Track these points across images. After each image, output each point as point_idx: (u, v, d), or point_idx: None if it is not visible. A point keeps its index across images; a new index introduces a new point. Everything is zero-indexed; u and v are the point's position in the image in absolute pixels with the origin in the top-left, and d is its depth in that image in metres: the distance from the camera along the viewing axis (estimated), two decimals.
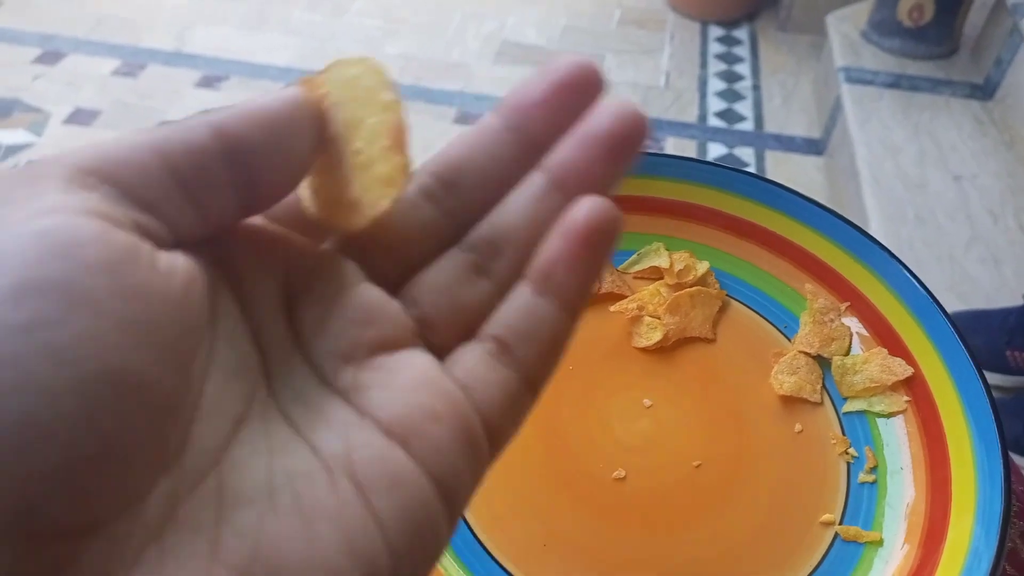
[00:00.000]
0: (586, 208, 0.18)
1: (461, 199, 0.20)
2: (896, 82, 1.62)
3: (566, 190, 0.19)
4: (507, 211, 0.20)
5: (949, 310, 0.36)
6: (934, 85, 1.62)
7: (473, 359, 0.19)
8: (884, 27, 1.67)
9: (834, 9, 1.81)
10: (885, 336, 0.38)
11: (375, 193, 0.19)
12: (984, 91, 1.60)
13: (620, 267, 0.42)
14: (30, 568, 0.12)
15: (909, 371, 0.37)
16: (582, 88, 0.19)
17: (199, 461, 0.15)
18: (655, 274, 0.42)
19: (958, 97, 1.60)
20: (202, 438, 0.15)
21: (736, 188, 0.42)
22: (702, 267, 0.41)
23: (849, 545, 0.34)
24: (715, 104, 1.80)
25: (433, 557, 0.17)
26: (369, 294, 0.19)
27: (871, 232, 1.38)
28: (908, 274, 0.38)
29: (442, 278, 0.20)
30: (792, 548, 0.34)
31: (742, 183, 0.41)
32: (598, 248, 0.19)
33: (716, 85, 1.86)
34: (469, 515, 0.34)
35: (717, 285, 0.41)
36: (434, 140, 1.66)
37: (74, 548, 0.13)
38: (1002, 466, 0.32)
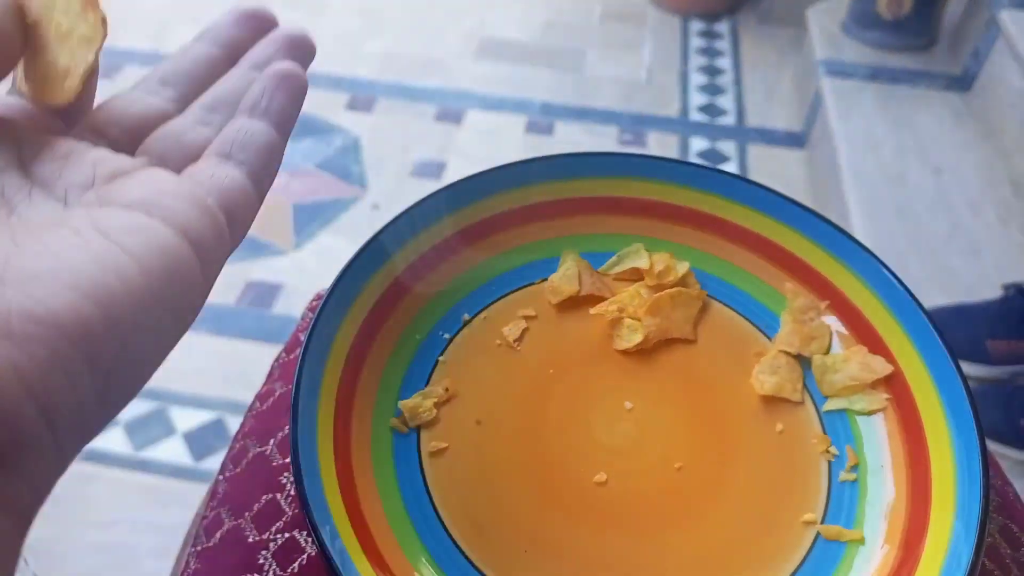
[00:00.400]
0: (282, 65, 0.25)
1: (178, 89, 0.26)
2: (876, 75, 1.63)
3: (259, 68, 0.26)
4: (219, 87, 0.26)
5: (930, 303, 0.36)
6: (913, 77, 1.63)
7: (199, 168, 0.23)
8: (864, 19, 1.68)
9: (814, 2, 1.81)
10: (865, 334, 0.38)
11: (81, 53, 0.22)
12: (962, 83, 1.61)
13: (600, 269, 0.42)
14: None
15: (889, 369, 0.37)
16: (261, 21, 0.28)
17: None
18: (635, 275, 0.42)
19: (937, 89, 1.61)
20: None
21: (715, 188, 0.42)
22: (682, 268, 0.41)
23: (831, 544, 0.34)
24: (697, 98, 1.81)
25: (190, 301, 0.20)
26: (98, 151, 0.22)
27: (852, 225, 1.38)
28: (887, 272, 0.38)
29: (168, 130, 0.25)
30: (774, 548, 0.34)
31: (721, 183, 0.41)
32: (293, 85, 0.25)
33: (698, 79, 1.86)
34: (448, 521, 0.34)
35: (698, 286, 0.41)
36: (415, 138, 1.66)
37: None
38: (981, 462, 0.32)
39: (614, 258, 0.42)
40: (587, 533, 0.34)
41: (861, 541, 0.34)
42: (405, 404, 0.36)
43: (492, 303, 0.41)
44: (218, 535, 0.35)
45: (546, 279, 0.42)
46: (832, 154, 1.48)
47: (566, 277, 0.41)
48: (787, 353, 0.39)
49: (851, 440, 0.37)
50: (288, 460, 0.37)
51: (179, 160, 0.24)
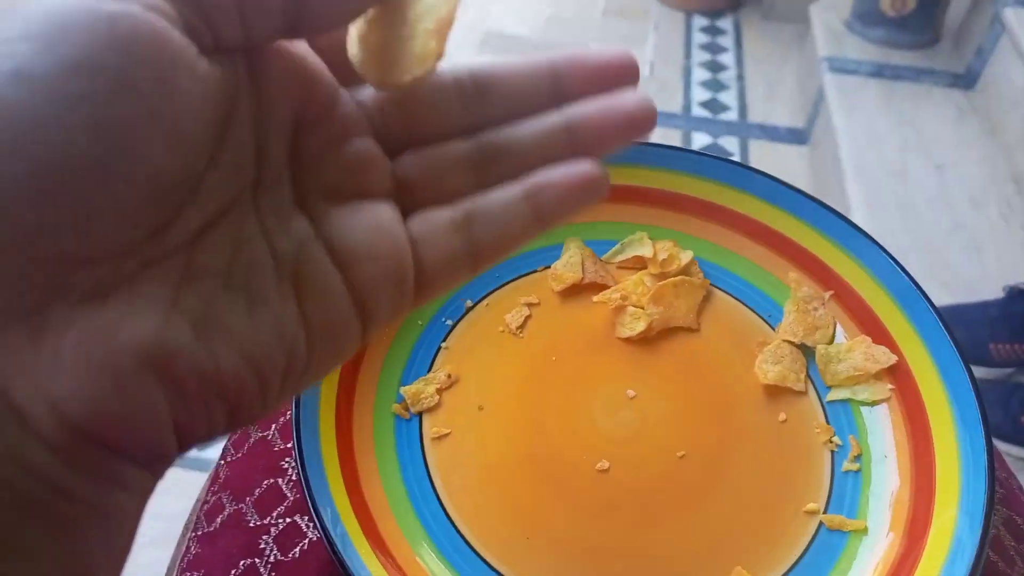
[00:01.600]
0: (588, 163, 0.21)
1: (484, 103, 0.22)
2: (879, 71, 1.63)
3: (574, 136, 0.22)
4: (520, 130, 0.22)
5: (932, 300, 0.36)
6: (916, 74, 1.63)
7: (435, 218, 0.21)
8: (867, 17, 1.68)
9: None
10: (868, 324, 0.38)
11: (406, 66, 0.20)
12: (966, 80, 1.60)
13: (603, 257, 0.42)
14: (31, 280, 0.16)
15: (893, 359, 0.37)
16: (622, 74, 0.22)
17: (180, 235, 0.18)
18: (639, 264, 0.42)
19: (940, 86, 1.60)
20: (187, 220, 0.18)
21: (720, 176, 0.41)
22: (686, 256, 0.41)
23: (834, 534, 0.34)
24: (699, 94, 1.80)
25: (341, 357, 0.21)
26: (365, 145, 0.21)
27: (854, 221, 1.37)
28: (892, 262, 0.37)
29: (439, 157, 0.22)
30: (777, 538, 0.34)
31: (726, 171, 0.41)
32: (584, 194, 0.22)
33: (700, 75, 1.86)
34: (450, 507, 0.34)
35: (701, 274, 0.41)
36: None
37: (66, 272, 0.16)
38: (986, 453, 0.32)
39: (617, 246, 0.42)
40: (589, 520, 0.34)
41: (864, 531, 0.34)
42: (407, 390, 0.36)
43: (494, 290, 0.41)
44: (219, 520, 0.35)
45: (549, 267, 0.42)
46: (834, 150, 1.48)
47: (569, 265, 0.41)
48: (790, 343, 0.39)
49: (854, 430, 0.37)
50: (289, 445, 0.37)
51: (426, 190, 0.22)
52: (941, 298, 1.16)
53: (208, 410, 0.18)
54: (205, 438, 0.19)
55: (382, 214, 0.21)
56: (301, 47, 0.21)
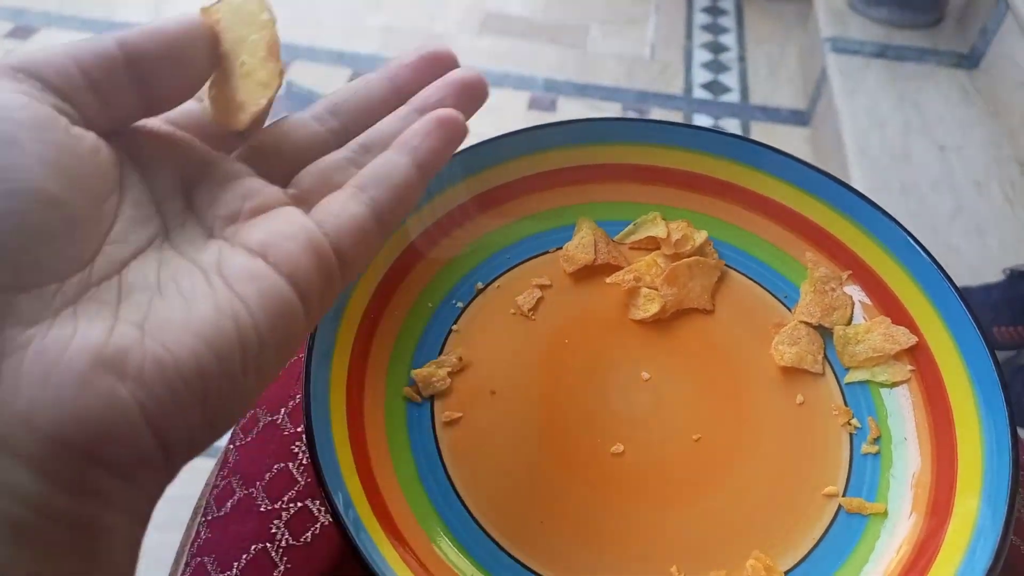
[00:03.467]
0: (443, 111, 0.27)
1: (343, 121, 0.28)
2: (882, 52, 1.61)
3: (424, 112, 0.27)
4: (379, 126, 0.27)
5: None
6: (920, 55, 1.61)
7: (331, 200, 0.25)
8: None
9: None
10: (888, 305, 0.38)
11: (256, 95, 0.25)
12: (970, 60, 1.59)
13: (616, 237, 0.41)
14: None
15: (913, 340, 0.36)
16: (441, 62, 0.29)
17: (106, 266, 0.20)
18: (652, 244, 0.41)
19: (944, 67, 1.59)
20: (110, 254, 0.21)
21: (735, 155, 0.41)
22: (700, 236, 0.40)
23: (853, 517, 0.33)
24: (701, 75, 1.79)
25: (292, 342, 0.23)
26: (252, 181, 0.25)
27: None
28: (912, 240, 0.37)
29: (321, 167, 0.26)
30: (794, 521, 0.33)
31: (741, 149, 0.40)
32: (445, 132, 0.26)
33: (702, 56, 1.84)
34: (463, 491, 0.33)
35: (716, 255, 0.40)
36: None
37: (9, 300, 0.18)
38: (1009, 435, 0.32)
39: (630, 226, 0.41)
40: (603, 505, 0.33)
41: (883, 514, 0.33)
42: (418, 373, 0.36)
43: (506, 272, 0.40)
44: (229, 504, 0.34)
45: (561, 248, 0.41)
46: (837, 132, 1.47)
47: (581, 246, 0.40)
48: (807, 324, 0.38)
49: (873, 412, 0.36)
50: (299, 429, 0.36)
51: (321, 195, 0.25)
52: None
53: (178, 405, 0.19)
54: (187, 440, 0.20)
55: (286, 212, 0.24)
56: (168, 129, 0.25)
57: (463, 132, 0.27)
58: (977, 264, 1.23)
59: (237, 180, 0.24)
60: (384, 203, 0.25)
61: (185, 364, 0.19)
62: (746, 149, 0.40)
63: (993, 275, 1.16)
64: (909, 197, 1.33)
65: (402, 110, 0.28)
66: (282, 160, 0.26)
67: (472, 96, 0.28)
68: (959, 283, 0.35)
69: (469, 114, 0.28)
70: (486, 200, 0.40)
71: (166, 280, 0.21)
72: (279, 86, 0.25)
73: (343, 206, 0.24)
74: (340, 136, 0.27)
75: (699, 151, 0.41)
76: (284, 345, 0.22)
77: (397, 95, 0.28)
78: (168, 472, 0.20)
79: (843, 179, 0.39)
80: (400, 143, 0.26)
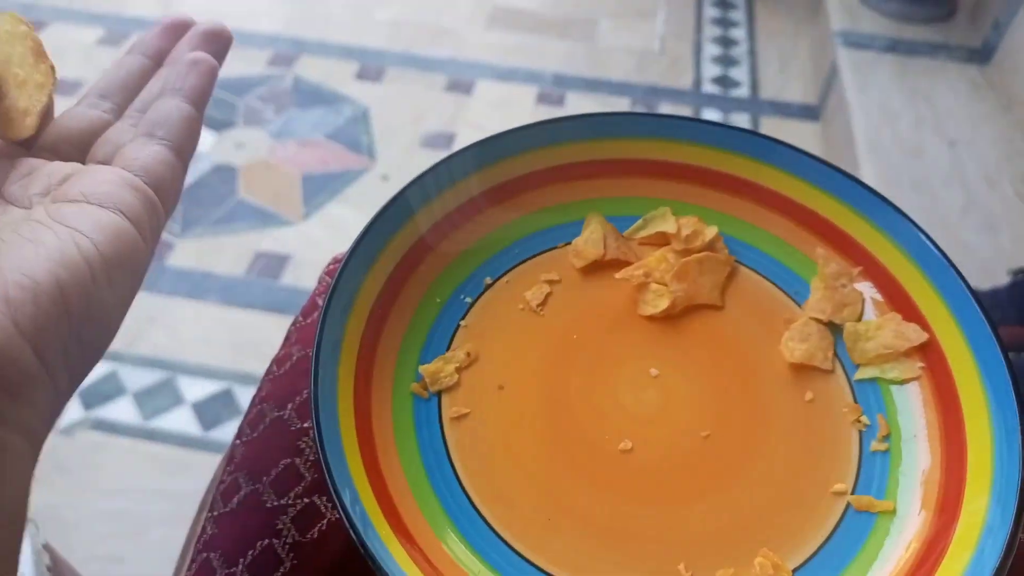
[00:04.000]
0: (193, 53, 0.31)
1: (114, 100, 0.31)
2: (893, 46, 1.60)
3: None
4: (147, 89, 0.31)
5: None
6: (932, 49, 1.60)
7: (128, 148, 0.28)
8: None
9: None
10: (899, 301, 0.37)
11: (35, 97, 0.27)
12: (982, 55, 1.58)
13: (626, 232, 0.41)
14: None
15: (924, 336, 0.36)
16: (183, 27, 0.33)
17: None
18: (662, 240, 0.41)
19: (955, 61, 1.58)
20: None
21: (744, 149, 0.40)
22: (710, 232, 0.40)
23: (862, 515, 0.33)
24: (710, 70, 1.78)
25: (135, 262, 0.25)
26: (54, 164, 0.27)
27: None
28: (924, 236, 0.36)
29: (109, 137, 0.29)
30: (804, 519, 0.33)
31: (750, 144, 0.40)
32: (204, 68, 0.30)
33: (711, 50, 1.83)
34: (470, 487, 0.33)
35: (726, 250, 0.40)
36: (425, 109, 1.64)
37: None
38: (1020, 433, 0.31)
39: (640, 222, 0.41)
40: (612, 502, 0.33)
41: (892, 512, 0.33)
42: (426, 369, 0.36)
43: (514, 267, 0.40)
44: (235, 500, 0.34)
45: (570, 243, 0.41)
46: (847, 127, 1.46)
47: (591, 241, 0.40)
48: (818, 320, 0.38)
49: (883, 409, 0.36)
50: (306, 425, 0.36)
51: (119, 159, 0.28)
52: None
53: (47, 317, 0.22)
54: (62, 352, 0.22)
55: (91, 168, 0.27)
56: None
57: (215, 66, 0.31)
58: (988, 260, 1.22)
59: (39, 168, 0.27)
60: (175, 138, 0.29)
61: (43, 282, 0.22)
62: (756, 144, 0.40)
63: (1004, 271, 1.15)
64: (920, 192, 1.33)
65: (161, 71, 0.32)
66: (73, 147, 0.29)
67: (217, 41, 0.32)
68: (970, 279, 0.35)
69: (220, 58, 0.32)
70: (496, 194, 0.40)
71: (8, 234, 0.24)
72: (55, 81, 0.28)
73: (140, 149, 0.28)
74: (117, 113, 0.31)
75: (709, 146, 0.41)
76: (129, 263, 0.25)
77: (156, 65, 0.32)
78: (56, 393, 0.22)
79: (854, 174, 0.38)
80: (167, 90, 0.30)
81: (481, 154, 0.39)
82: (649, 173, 0.41)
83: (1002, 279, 1.14)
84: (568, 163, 0.41)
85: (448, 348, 0.37)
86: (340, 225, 1.38)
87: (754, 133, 0.40)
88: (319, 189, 1.45)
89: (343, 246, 0.36)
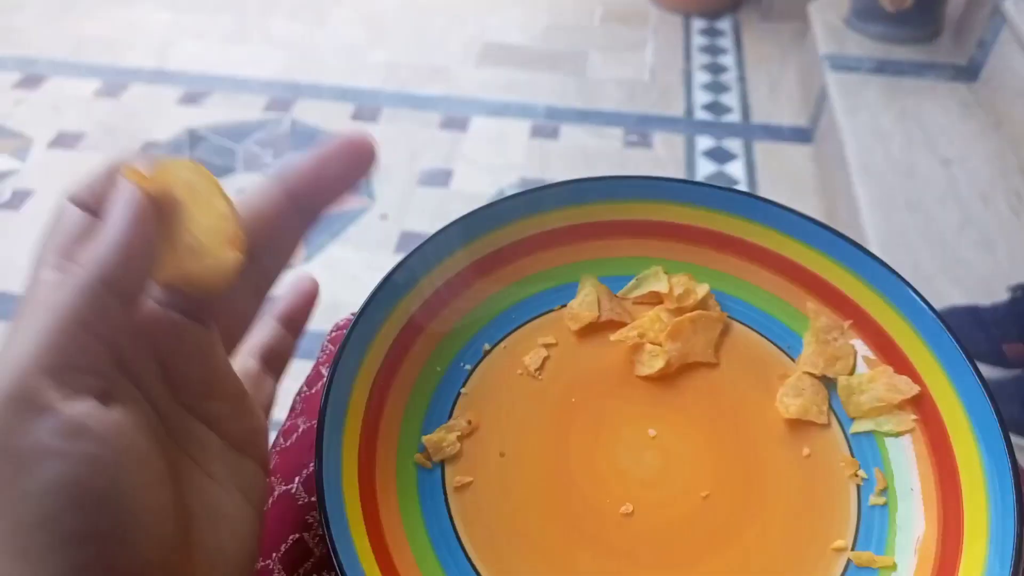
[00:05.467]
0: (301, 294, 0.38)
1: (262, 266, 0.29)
2: (881, 68, 1.62)
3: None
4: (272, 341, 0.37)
5: (944, 297, 0.36)
6: (919, 69, 1.62)
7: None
8: (866, 13, 1.68)
9: None
10: (889, 353, 0.38)
11: (210, 275, 0.24)
12: (968, 73, 1.60)
13: (619, 293, 0.42)
14: None
15: (916, 389, 0.37)
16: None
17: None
18: (655, 299, 0.41)
19: (943, 80, 1.60)
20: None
21: (730, 208, 0.41)
22: (702, 290, 0.41)
23: (863, 571, 0.33)
24: (701, 97, 1.80)
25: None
26: (225, 367, 0.27)
27: (862, 220, 1.38)
28: (909, 289, 0.37)
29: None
30: None
31: (736, 203, 0.41)
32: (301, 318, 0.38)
33: (701, 78, 1.85)
34: (475, 558, 0.33)
35: (718, 307, 0.41)
36: (421, 147, 1.66)
37: None
38: (1013, 485, 0.32)
39: (633, 282, 0.42)
40: (615, 567, 0.34)
41: (893, 567, 0.33)
42: (429, 439, 0.36)
43: (512, 331, 0.41)
44: None
45: (565, 305, 0.41)
46: (839, 149, 1.47)
47: (585, 303, 0.41)
48: (811, 374, 0.38)
49: (879, 462, 0.36)
50: (314, 499, 0.36)
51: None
52: (954, 296, 1.15)
53: None
54: None
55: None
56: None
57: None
58: (986, 276, 1.23)
59: (212, 359, 0.27)
60: (278, 373, 0.36)
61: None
62: (741, 201, 0.41)
63: (1002, 287, 1.16)
64: (915, 212, 1.34)
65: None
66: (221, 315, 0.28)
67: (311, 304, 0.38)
68: (969, 296, 0.36)
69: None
70: (488, 263, 0.41)
71: (199, 509, 0.25)
72: (235, 276, 0.25)
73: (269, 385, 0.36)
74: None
75: (696, 205, 0.42)
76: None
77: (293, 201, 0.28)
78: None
79: (848, 196, 0.39)
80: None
81: (467, 229, 0.40)
82: (639, 233, 0.42)
83: (1001, 295, 1.15)
84: (557, 228, 0.42)
85: (449, 416, 0.38)
86: (342, 266, 1.39)
87: (739, 192, 0.41)
88: (319, 230, 1.46)
89: (345, 288, 0.37)
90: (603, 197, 0.42)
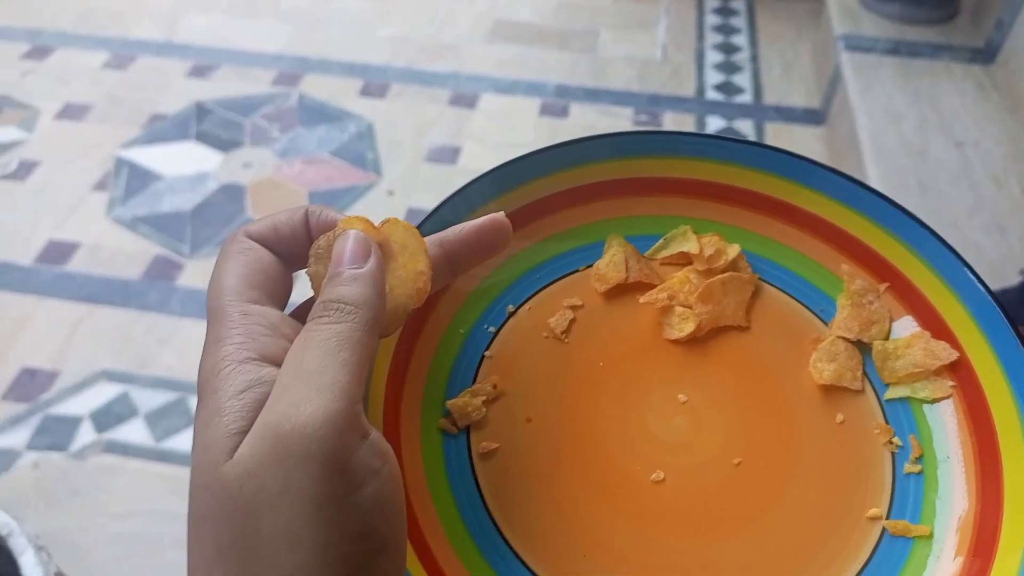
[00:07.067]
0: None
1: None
2: (896, 48, 1.60)
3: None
4: None
5: None
6: (934, 50, 1.60)
7: None
8: None
9: None
10: (927, 318, 0.37)
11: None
12: (985, 55, 1.58)
13: (646, 253, 0.40)
14: None
15: (955, 355, 0.35)
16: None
17: None
18: (684, 259, 0.40)
19: (959, 62, 1.58)
20: None
21: (764, 165, 0.40)
22: (733, 251, 0.39)
23: (898, 540, 0.33)
24: (713, 77, 1.78)
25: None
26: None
27: None
28: (950, 252, 0.36)
29: None
30: (839, 546, 0.33)
31: (770, 160, 0.40)
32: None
33: (714, 57, 1.83)
34: (503, 525, 0.33)
35: (749, 269, 0.40)
36: (429, 123, 1.64)
37: None
38: None
39: (661, 242, 0.41)
40: (646, 535, 0.33)
41: (930, 536, 0.32)
42: (454, 404, 0.35)
43: (537, 292, 0.39)
44: None
45: (591, 265, 0.40)
46: (852, 130, 1.45)
47: (612, 264, 0.39)
48: (845, 339, 0.37)
49: (915, 430, 0.35)
50: None
51: None
52: None
53: None
54: None
55: None
56: None
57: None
58: (998, 260, 1.22)
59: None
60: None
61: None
62: (775, 159, 0.39)
63: (1014, 270, 1.14)
64: (927, 194, 1.32)
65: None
66: None
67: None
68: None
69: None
70: (514, 220, 0.40)
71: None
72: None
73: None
74: None
75: (728, 162, 0.40)
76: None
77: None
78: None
79: (860, 177, 0.38)
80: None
81: (495, 182, 0.39)
82: (667, 191, 0.41)
83: (1012, 279, 1.14)
84: (585, 184, 0.40)
85: (474, 380, 0.37)
86: None
87: (773, 148, 0.39)
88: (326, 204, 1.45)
89: None
90: (632, 152, 0.40)
